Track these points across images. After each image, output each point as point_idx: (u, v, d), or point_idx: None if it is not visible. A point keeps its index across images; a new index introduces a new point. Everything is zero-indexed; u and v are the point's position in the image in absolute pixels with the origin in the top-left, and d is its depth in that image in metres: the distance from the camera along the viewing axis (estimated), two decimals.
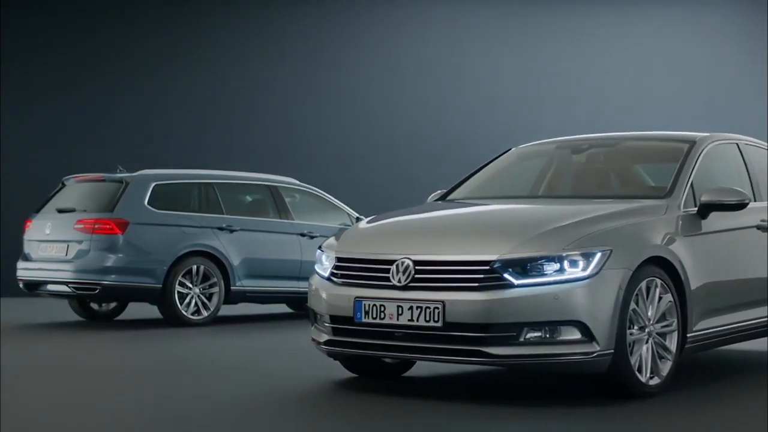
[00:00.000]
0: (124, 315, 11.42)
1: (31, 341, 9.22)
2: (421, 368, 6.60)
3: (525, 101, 18.15)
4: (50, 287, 10.50)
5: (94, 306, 11.22)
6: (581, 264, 5.19)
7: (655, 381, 5.52)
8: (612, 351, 5.21)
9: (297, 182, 11.96)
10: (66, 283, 10.25)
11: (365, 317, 5.47)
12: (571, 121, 17.20)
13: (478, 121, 18.08)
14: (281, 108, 17.95)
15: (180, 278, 10.30)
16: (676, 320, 5.63)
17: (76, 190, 10.86)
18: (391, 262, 5.47)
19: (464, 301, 5.19)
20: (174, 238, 10.37)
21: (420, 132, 18.08)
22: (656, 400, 5.45)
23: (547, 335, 5.16)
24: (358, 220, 11.49)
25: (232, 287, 10.67)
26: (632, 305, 5.34)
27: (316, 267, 6.02)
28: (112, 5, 17.92)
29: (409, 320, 5.32)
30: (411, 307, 5.31)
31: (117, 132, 17.57)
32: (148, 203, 10.41)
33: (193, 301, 10.42)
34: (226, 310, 11.56)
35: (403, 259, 5.42)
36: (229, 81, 18.00)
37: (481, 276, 5.22)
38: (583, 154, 7.06)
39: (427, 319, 5.26)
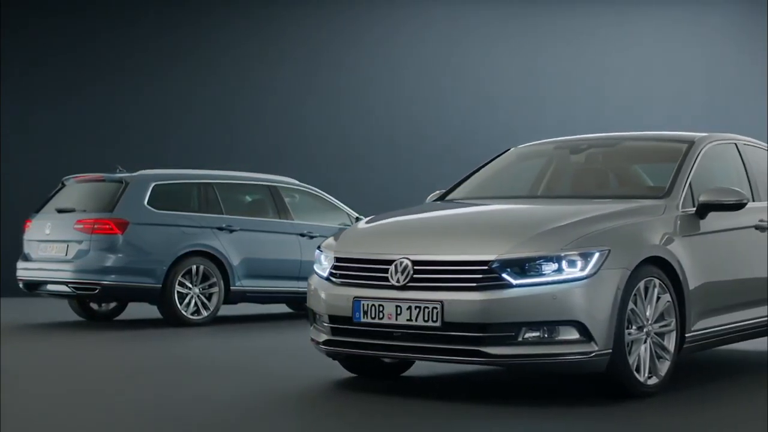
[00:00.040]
0: (124, 315, 11.43)
1: (31, 341, 9.23)
2: (420, 368, 6.61)
3: (525, 101, 18.15)
4: (50, 287, 10.51)
5: (94, 306, 11.24)
6: (579, 264, 5.20)
7: (654, 381, 5.53)
8: (610, 351, 5.22)
9: (296, 182, 11.97)
10: (66, 283, 10.26)
11: (364, 317, 5.48)
12: (571, 121, 17.21)
13: (478, 121, 18.09)
14: (281, 108, 17.96)
15: (180, 278, 10.32)
16: (674, 320, 5.64)
17: (75, 190, 10.87)
18: (389, 262, 5.48)
19: (463, 301, 5.20)
20: (174, 238, 10.38)
21: (420, 132, 18.09)
22: (654, 399, 5.46)
23: (546, 335, 5.17)
24: (357, 220, 11.49)
25: (231, 287, 10.69)
26: (630, 305, 5.34)
27: (315, 267, 6.03)
28: (112, 5, 17.93)
29: (407, 320, 5.33)
30: (409, 307, 5.32)
31: (117, 132, 17.58)
32: (147, 203, 10.42)
33: (193, 301, 10.43)
34: (226, 310, 11.57)
35: (402, 259, 5.44)
36: (229, 81, 18.01)
37: (480, 276, 5.23)
38: (581, 154, 7.07)
39: (426, 319, 5.27)
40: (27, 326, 10.57)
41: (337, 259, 5.80)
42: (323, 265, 5.91)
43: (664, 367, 5.60)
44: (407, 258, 5.43)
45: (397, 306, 5.36)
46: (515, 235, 5.39)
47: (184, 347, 8.81)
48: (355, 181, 17.24)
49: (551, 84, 18.23)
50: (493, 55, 18.32)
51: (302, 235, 11.31)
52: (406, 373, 6.47)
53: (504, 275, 5.20)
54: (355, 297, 5.53)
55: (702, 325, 5.91)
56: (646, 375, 5.48)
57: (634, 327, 5.41)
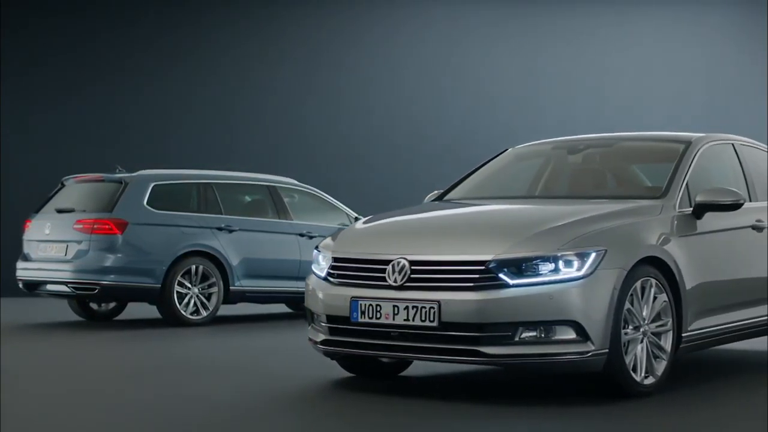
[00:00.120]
0: (124, 315, 11.44)
1: (31, 341, 9.25)
2: (418, 368, 6.63)
3: (525, 101, 18.16)
4: (50, 287, 10.53)
5: (94, 306, 11.25)
6: (576, 264, 5.22)
7: (650, 380, 5.55)
8: (607, 350, 5.24)
9: (296, 182, 11.99)
10: (65, 283, 10.28)
11: (361, 317, 5.50)
12: (570, 121, 17.22)
13: (478, 121, 18.10)
14: (281, 108, 17.98)
15: (179, 278, 10.34)
16: (670, 320, 5.66)
17: (75, 190, 10.89)
18: (387, 262, 5.49)
19: (460, 300, 5.22)
20: (173, 238, 10.40)
21: (420, 132, 18.10)
22: (651, 399, 5.48)
23: (542, 335, 5.19)
24: (356, 220, 11.51)
25: (231, 287, 10.70)
26: (627, 305, 5.36)
27: (313, 267, 6.05)
28: (112, 5, 17.94)
29: (405, 320, 5.35)
30: (407, 307, 5.34)
31: (117, 132, 17.60)
32: (147, 203, 10.43)
33: (192, 301, 10.45)
34: (225, 310, 11.59)
35: (399, 259, 5.45)
36: (229, 81, 18.03)
37: (477, 276, 5.25)
38: (579, 155, 7.08)
39: (423, 318, 5.29)
40: (27, 326, 10.59)
41: (335, 259, 5.82)
42: (321, 265, 5.93)
43: (660, 366, 5.61)
44: (404, 258, 5.45)
45: (394, 306, 5.38)
46: (512, 235, 5.41)
47: (183, 347, 8.82)
48: (355, 181, 17.25)
49: (551, 84, 18.24)
50: (493, 55, 18.33)
51: (301, 235, 11.33)
52: (404, 373, 6.48)
53: (501, 275, 5.22)
54: (352, 297, 5.55)
55: (698, 325, 5.93)
56: (643, 375, 5.50)
57: (630, 327, 5.43)
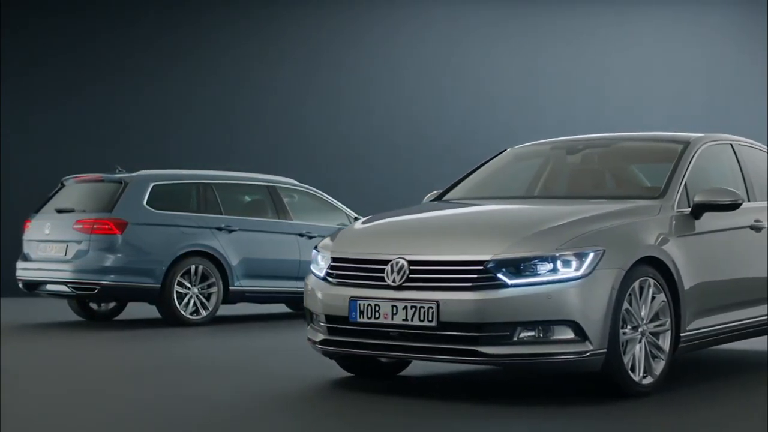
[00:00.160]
0: (123, 315, 11.45)
1: (31, 341, 9.26)
2: (417, 368, 6.64)
3: (525, 101, 18.17)
4: (49, 287, 10.54)
5: (94, 306, 11.26)
6: (574, 264, 5.23)
7: (649, 380, 5.56)
8: (605, 350, 5.25)
9: (295, 182, 12.00)
10: (65, 283, 10.29)
11: (360, 317, 5.51)
12: (570, 121, 17.23)
13: (478, 121, 18.11)
14: (281, 108, 17.99)
15: (179, 278, 10.34)
16: (669, 320, 5.67)
17: (75, 190, 10.90)
18: (385, 262, 5.50)
19: (458, 300, 5.23)
20: (173, 238, 10.41)
21: (420, 132, 18.11)
22: (649, 399, 5.49)
23: (541, 335, 5.20)
24: (356, 220, 11.52)
25: (230, 287, 10.71)
26: (625, 305, 5.37)
27: (312, 267, 6.06)
28: (112, 5, 17.95)
29: (403, 320, 5.36)
30: (405, 307, 5.35)
31: (117, 132, 17.61)
32: (146, 203, 10.44)
33: (192, 301, 10.46)
34: (225, 310, 11.60)
35: (398, 259, 5.46)
36: (229, 81, 18.03)
37: (475, 276, 5.26)
38: (578, 155, 7.09)
39: (422, 318, 5.30)
40: (27, 326, 10.60)
41: (334, 259, 5.83)
42: (320, 265, 5.94)
43: (659, 366, 5.62)
44: (403, 258, 5.46)
45: (393, 306, 5.39)
46: (510, 235, 5.42)
47: (183, 347, 8.83)
48: (355, 181, 17.26)
49: (551, 84, 18.25)
50: (493, 55, 18.34)
51: (301, 235, 11.34)
52: (403, 373, 6.49)
53: (499, 275, 5.23)
54: (351, 297, 5.56)
55: (697, 325, 5.94)
56: (641, 374, 5.51)
57: (628, 327, 5.43)
